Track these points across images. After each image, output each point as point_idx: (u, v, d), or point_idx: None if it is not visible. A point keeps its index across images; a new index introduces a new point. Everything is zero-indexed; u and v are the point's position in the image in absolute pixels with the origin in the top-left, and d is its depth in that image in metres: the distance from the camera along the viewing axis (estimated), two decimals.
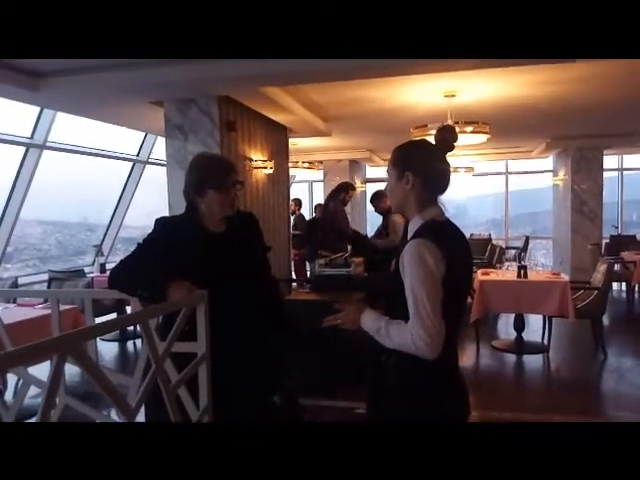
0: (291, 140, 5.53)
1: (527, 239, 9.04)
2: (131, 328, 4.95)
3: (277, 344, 1.85)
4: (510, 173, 10.05)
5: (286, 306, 2.05)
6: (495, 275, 4.76)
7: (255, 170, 4.55)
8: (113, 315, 4.71)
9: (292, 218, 6.33)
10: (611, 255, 6.75)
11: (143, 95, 3.87)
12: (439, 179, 1.38)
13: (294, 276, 5.94)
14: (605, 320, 4.91)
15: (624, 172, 9.57)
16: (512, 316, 4.85)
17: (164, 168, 4.12)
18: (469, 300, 4.26)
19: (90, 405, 1.59)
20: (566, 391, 3.77)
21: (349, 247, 4.74)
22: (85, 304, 1.96)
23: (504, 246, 8.41)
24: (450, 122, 4.28)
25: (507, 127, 6.01)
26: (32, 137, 5.13)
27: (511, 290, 4.43)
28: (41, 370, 1.57)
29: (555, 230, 9.18)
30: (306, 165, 7.01)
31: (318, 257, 4.14)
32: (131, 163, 6.78)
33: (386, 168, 1.43)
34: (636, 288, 6.91)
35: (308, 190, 10.52)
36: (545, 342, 4.54)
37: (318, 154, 8.06)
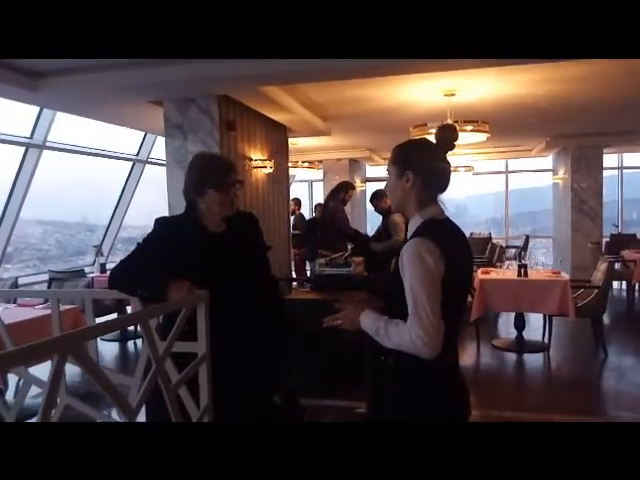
0: (291, 139, 5.53)
1: (527, 238, 9.04)
2: (131, 328, 4.95)
3: (277, 344, 1.85)
4: (510, 172, 10.05)
5: (286, 306, 2.05)
6: (495, 274, 4.76)
7: (255, 169, 4.55)
8: (113, 315, 4.71)
9: (292, 218, 6.33)
10: (611, 254, 6.75)
11: (142, 95, 3.87)
12: (439, 178, 1.38)
13: (294, 275, 5.94)
14: (605, 319, 4.91)
15: (624, 170, 9.56)
16: (512, 315, 4.85)
17: (164, 168, 4.12)
18: (469, 299, 4.26)
19: (91, 405, 1.59)
20: (566, 390, 3.77)
21: (349, 246, 4.74)
22: (85, 304, 1.96)
23: (504, 245, 8.41)
24: (450, 121, 4.28)
25: (507, 126, 6.01)
26: (32, 137, 5.13)
27: (511, 289, 4.44)
28: (42, 370, 1.57)
29: (555, 229, 9.18)
30: (306, 164, 7.01)
31: (318, 257, 4.14)
32: (131, 163, 6.78)
33: (386, 167, 1.43)
34: (636, 287, 6.91)
35: (308, 189, 10.52)
36: (545, 341, 4.54)
37: (318, 153, 8.06)
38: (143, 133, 6.49)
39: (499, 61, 3.17)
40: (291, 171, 6.09)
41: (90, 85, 3.54)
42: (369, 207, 5.25)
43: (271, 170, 4.72)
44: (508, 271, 4.85)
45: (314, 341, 2.55)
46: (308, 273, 5.84)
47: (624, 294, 7.07)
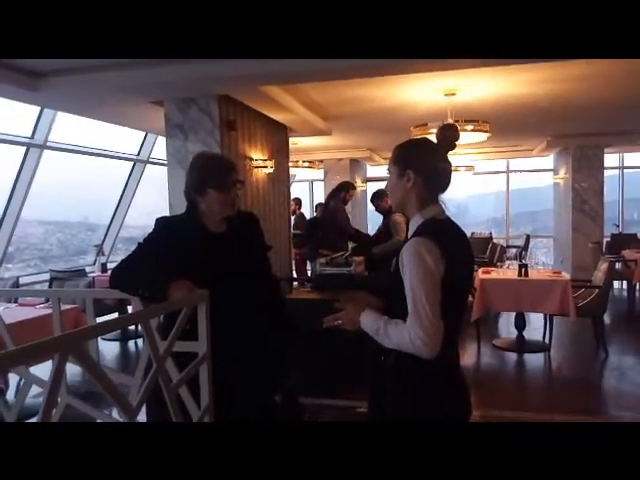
0: (291, 139, 5.53)
1: (528, 238, 9.03)
2: (132, 327, 4.96)
3: (278, 343, 1.85)
4: (511, 172, 10.04)
5: (287, 305, 2.05)
6: (496, 274, 4.76)
7: (255, 169, 4.55)
8: (114, 315, 4.72)
9: (292, 218, 6.33)
10: (612, 254, 6.75)
11: (143, 95, 3.88)
12: (440, 177, 1.38)
13: (295, 275, 5.94)
14: (606, 319, 4.91)
15: (625, 170, 9.55)
16: (513, 315, 4.85)
17: (165, 167, 4.12)
18: (470, 299, 4.26)
19: (91, 404, 1.59)
20: (567, 389, 3.77)
21: (350, 246, 4.74)
22: (86, 304, 1.97)
23: (505, 245, 8.41)
24: (450, 121, 4.28)
25: (507, 126, 6.00)
26: (32, 137, 5.13)
27: (512, 289, 4.43)
28: (42, 369, 1.57)
29: (556, 229, 9.17)
30: (306, 164, 7.01)
31: (319, 256, 4.15)
32: (132, 163, 6.79)
33: (387, 167, 1.43)
34: (637, 287, 6.91)
35: (308, 189, 10.52)
36: (546, 341, 4.54)
37: (318, 153, 8.06)
38: (144, 133, 6.50)
39: (499, 61, 3.17)
40: (292, 171, 6.09)
41: (91, 85, 3.55)
42: (370, 207, 5.25)
43: (272, 170, 4.72)
44: (509, 271, 4.85)
45: (314, 341, 2.55)
46: (309, 273, 5.84)
47: (625, 294, 7.06)
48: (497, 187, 10.46)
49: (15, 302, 3.73)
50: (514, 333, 4.76)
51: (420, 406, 1.30)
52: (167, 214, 3.34)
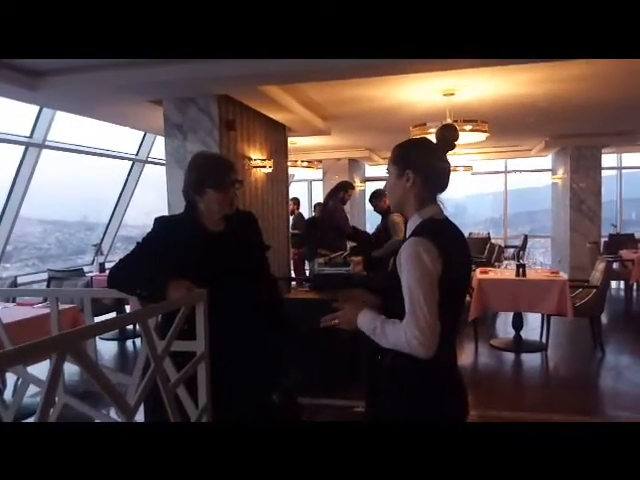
0: (290, 139, 5.53)
1: (526, 238, 9.05)
2: (130, 327, 4.95)
3: (276, 343, 1.85)
4: (509, 172, 10.06)
5: (285, 305, 2.05)
6: (494, 274, 4.77)
7: (254, 169, 4.55)
8: (112, 314, 4.71)
9: (291, 217, 6.33)
10: (610, 253, 6.76)
11: (142, 94, 3.87)
12: (439, 177, 1.38)
13: (293, 275, 5.95)
14: (603, 318, 4.93)
15: (623, 171, 9.58)
16: (511, 315, 4.86)
17: (163, 167, 4.12)
18: (467, 299, 4.27)
19: (89, 404, 1.59)
20: (564, 389, 3.78)
21: (348, 246, 4.75)
22: (84, 303, 1.97)
23: (503, 245, 8.42)
24: (449, 121, 4.28)
25: (506, 126, 6.01)
26: (31, 136, 5.13)
27: (510, 289, 4.44)
28: (40, 369, 1.57)
29: (554, 229, 9.19)
30: (305, 164, 7.01)
31: (317, 256, 4.15)
32: (130, 162, 6.78)
33: (385, 167, 1.43)
34: (634, 286, 6.93)
35: (307, 189, 10.51)
36: (543, 340, 4.55)
37: (317, 153, 8.06)
38: (142, 133, 6.49)
39: (498, 61, 3.17)
40: (290, 170, 6.09)
41: (90, 84, 3.54)
42: (368, 207, 5.26)
43: (270, 170, 4.72)
44: (506, 271, 4.86)
45: (312, 340, 2.55)
46: (307, 273, 5.85)
47: (622, 294, 7.08)
48: (495, 187, 10.48)
49: (13, 301, 3.72)
50: (511, 333, 4.77)
51: (417, 406, 1.30)
52: (166, 214, 3.34)
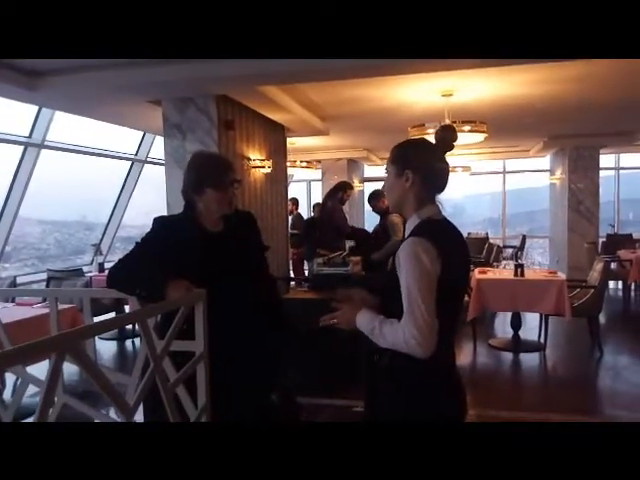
0: (289, 139, 5.54)
1: (524, 238, 9.06)
2: (130, 327, 4.95)
3: (275, 343, 1.86)
4: (507, 172, 10.08)
5: (284, 305, 2.06)
6: (492, 274, 4.77)
7: (253, 169, 4.55)
8: (112, 314, 4.71)
9: (290, 218, 6.34)
10: (607, 254, 6.78)
11: (141, 94, 3.87)
12: (438, 178, 1.38)
13: (292, 275, 5.95)
14: (601, 318, 4.93)
15: (620, 171, 9.60)
16: (509, 314, 4.87)
17: (162, 167, 4.12)
18: (466, 299, 4.27)
19: (89, 404, 1.59)
20: (563, 389, 3.79)
21: (347, 246, 4.75)
22: (84, 303, 1.97)
23: (501, 245, 8.43)
24: (448, 121, 4.29)
25: (504, 126, 6.02)
26: (30, 136, 5.12)
27: (508, 289, 4.45)
28: (40, 369, 1.57)
29: (552, 229, 9.21)
30: (304, 164, 7.01)
31: (316, 256, 4.15)
32: (129, 162, 6.78)
33: (384, 167, 1.43)
34: (632, 286, 6.95)
35: (306, 189, 10.51)
36: (542, 340, 4.56)
37: (316, 153, 8.06)
38: (142, 133, 6.49)
39: (498, 61, 3.18)
40: (289, 171, 6.09)
41: (89, 84, 3.54)
42: (367, 207, 5.26)
43: (269, 170, 4.72)
44: (505, 271, 4.86)
45: (311, 340, 2.56)
46: (306, 273, 5.85)
47: (620, 294, 7.10)
48: (494, 187, 10.49)
49: (12, 301, 3.72)
50: (510, 333, 4.78)
51: (415, 406, 1.30)
52: (165, 214, 3.34)
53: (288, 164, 5.75)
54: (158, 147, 6.46)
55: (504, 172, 10.05)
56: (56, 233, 7.50)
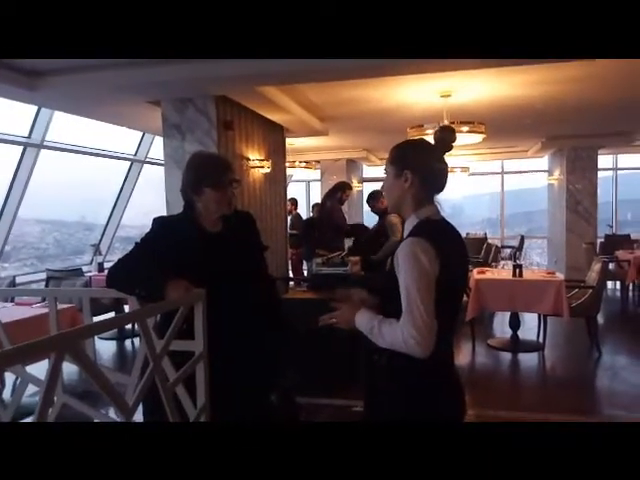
0: (288, 140, 5.54)
1: (522, 238, 9.08)
2: (129, 327, 4.95)
3: (274, 343, 1.86)
4: (506, 173, 10.09)
5: (283, 305, 2.06)
6: (491, 274, 4.78)
7: (252, 169, 4.55)
8: (111, 314, 4.71)
9: (289, 218, 6.34)
10: (606, 254, 6.79)
11: (141, 94, 3.87)
12: (437, 178, 1.39)
13: (291, 275, 5.95)
14: (600, 319, 4.94)
15: (618, 172, 9.62)
16: (508, 315, 4.88)
17: (162, 167, 4.12)
18: (465, 299, 4.27)
19: (88, 403, 1.59)
20: (561, 389, 3.80)
21: (346, 246, 4.75)
22: (83, 303, 1.97)
23: (499, 245, 8.44)
24: (446, 122, 4.30)
25: (502, 127, 6.04)
26: (29, 136, 5.12)
27: (506, 289, 4.46)
28: (39, 369, 1.57)
29: (550, 229, 9.22)
30: (303, 164, 7.02)
31: (315, 256, 4.15)
32: (129, 162, 6.77)
33: (383, 167, 1.44)
34: (630, 287, 6.96)
35: (305, 189, 10.52)
36: (540, 340, 4.57)
37: (315, 153, 8.06)
38: (141, 133, 6.49)
39: (497, 61, 3.18)
40: (288, 171, 6.10)
41: (88, 84, 3.54)
42: (366, 207, 5.27)
43: (268, 170, 4.72)
44: (503, 271, 4.87)
45: (311, 340, 2.56)
46: (305, 273, 5.85)
47: (618, 294, 7.11)
48: (492, 188, 10.50)
49: (12, 301, 3.72)
50: (508, 333, 4.79)
51: (414, 405, 1.31)
52: (164, 214, 3.34)
53: (287, 164, 5.76)
54: (157, 147, 6.46)
55: (502, 172, 10.07)
56: (55, 233, 7.49)
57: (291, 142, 5.83)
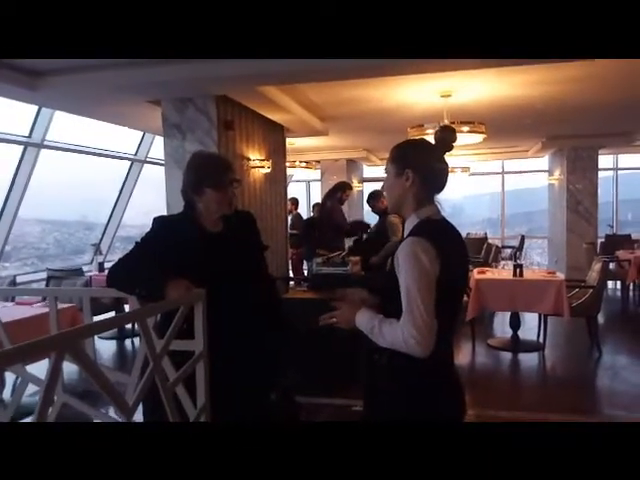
0: (288, 139, 5.54)
1: (523, 238, 9.08)
2: (129, 326, 4.95)
3: (274, 343, 1.86)
4: (506, 173, 10.09)
5: (284, 305, 2.06)
6: (491, 274, 4.78)
7: (253, 169, 4.55)
8: (111, 313, 4.71)
9: (289, 218, 6.34)
10: (606, 254, 6.79)
11: (141, 94, 3.87)
12: (437, 178, 1.39)
13: (292, 275, 5.95)
14: (600, 318, 4.94)
15: (619, 172, 9.61)
16: (508, 314, 4.88)
17: (162, 167, 4.12)
18: (465, 299, 4.28)
19: (88, 403, 1.60)
20: (561, 389, 3.80)
21: (346, 246, 4.75)
22: (83, 302, 1.97)
23: (500, 245, 8.44)
24: (446, 122, 4.30)
25: (503, 127, 6.03)
26: (30, 136, 5.12)
27: (507, 289, 4.46)
28: (39, 368, 1.57)
29: (551, 229, 9.22)
30: (303, 164, 7.02)
31: (316, 256, 4.15)
32: (129, 162, 6.77)
33: (383, 167, 1.44)
34: (631, 287, 6.96)
35: (305, 189, 10.52)
36: (540, 340, 4.57)
37: (315, 153, 8.06)
38: (141, 132, 6.49)
39: (497, 61, 3.18)
40: (289, 171, 6.10)
41: (89, 84, 3.54)
42: (366, 207, 5.28)
43: (269, 170, 4.73)
44: (504, 271, 4.87)
45: (311, 340, 2.56)
46: (305, 272, 5.85)
47: (619, 294, 7.11)
48: (492, 188, 10.50)
49: (12, 301, 3.72)
50: (509, 333, 4.79)
51: (414, 405, 1.31)
52: (165, 213, 3.34)
53: (287, 164, 5.76)
54: (158, 147, 6.46)
55: (503, 172, 10.07)
56: (56, 233, 7.50)
57: (291, 142, 5.83)
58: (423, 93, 4.40)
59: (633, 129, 6.91)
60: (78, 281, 4.70)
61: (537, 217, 10.99)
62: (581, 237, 7.75)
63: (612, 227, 9.05)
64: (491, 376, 4.15)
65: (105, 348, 4.96)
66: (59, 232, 7.54)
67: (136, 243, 1.76)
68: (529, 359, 4.45)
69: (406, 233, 1.36)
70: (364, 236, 4.84)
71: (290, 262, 6.00)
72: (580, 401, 3.49)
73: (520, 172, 10.38)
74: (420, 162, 1.36)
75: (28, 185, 5.25)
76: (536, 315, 4.75)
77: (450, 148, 1.42)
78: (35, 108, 4.93)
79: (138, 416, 1.36)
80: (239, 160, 4.28)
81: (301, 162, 7.03)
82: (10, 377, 3.34)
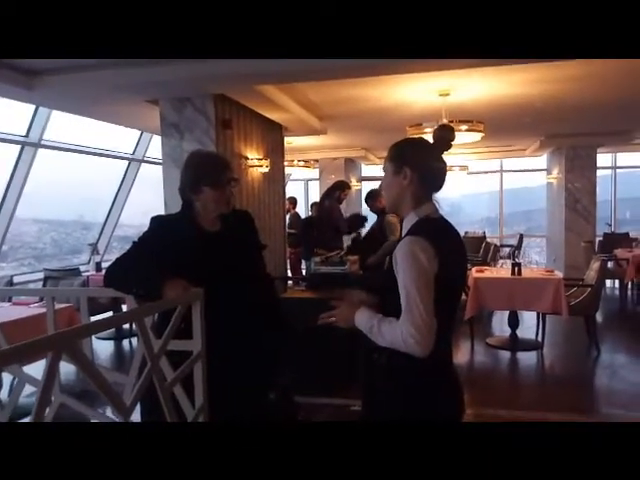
0: (287, 138, 5.54)
1: (521, 237, 9.09)
2: (127, 326, 4.94)
3: (273, 342, 1.86)
4: (505, 171, 10.10)
5: (282, 304, 2.06)
6: (489, 273, 4.79)
7: (251, 168, 4.55)
8: (109, 313, 4.70)
9: (287, 217, 6.34)
10: (604, 253, 6.80)
11: (139, 93, 3.86)
12: (436, 176, 1.39)
13: (290, 274, 5.95)
14: (598, 317, 4.95)
15: (617, 170, 9.63)
16: (506, 313, 4.88)
17: (160, 166, 4.11)
18: (463, 297, 4.28)
19: (86, 403, 1.59)
20: (560, 387, 3.80)
21: (345, 245, 4.75)
22: (80, 302, 1.96)
23: (498, 244, 8.45)
24: (445, 121, 4.30)
25: (501, 126, 6.04)
26: (27, 135, 5.11)
27: (505, 287, 4.46)
28: (36, 369, 1.57)
29: (549, 228, 9.23)
30: (302, 163, 7.02)
31: (314, 255, 4.15)
32: (127, 161, 6.76)
33: (381, 166, 1.43)
34: (629, 285, 6.97)
35: (304, 188, 10.52)
36: (539, 339, 4.58)
37: (313, 152, 8.06)
38: (139, 132, 6.47)
39: (496, 61, 3.18)
40: (287, 170, 6.10)
41: (86, 84, 3.53)
42: (364, 206, 5.28)
43: (267, 169, 4.72)
44: (502, 270, 4.88)
45: (309, 339, 2.56)
46: (304, 272, 5.85)
47: (617, 292, 7.12)
48: (491, 187, 10.52)
49: (9, 301, 3.71)
50: (507, 331, 4.80)
51: (413, 404, 1.31)
52: (162, 213, 3.34)
53: (286, 163, 5.75)
54: (155, 146, 6.45)
55: (501, 171, 10.08)
56: (53, 232, 7.48)
57: (290, 141, 5.83)
58: (421, 92, 4.40)
59: (631, 128, 6.92)
60: (75, 281, 4.69)
61: (535, 216, 11.01)
62: (579, 236, 7.76)
63: (610, 226, 9.06)
64: (490, 375, 4.15)
65: (102, 348, 4.95)
66: (56, 232, 7.52)
67: (134, 243, 1.75)
68: (528, 358, 4.46)
69: (404, 232, 1.36)
70: (362, 233, 4.84)
71: (288, 261, 6.00)
72: (578, 400, 3.50)
73: (519, 171, 10.40)
74: (418, 160, 1.36)
75: (25, 185, 5.24)
76: (534, 314, 4.76)
77: (449, 147, 1.41)
78: (32, 107, 4.92)
79: (136, 416, 1.36)
80: (237, 159, 4.27)
81: (299, 161, 7.03)
82: (7, 377, 3.33)
